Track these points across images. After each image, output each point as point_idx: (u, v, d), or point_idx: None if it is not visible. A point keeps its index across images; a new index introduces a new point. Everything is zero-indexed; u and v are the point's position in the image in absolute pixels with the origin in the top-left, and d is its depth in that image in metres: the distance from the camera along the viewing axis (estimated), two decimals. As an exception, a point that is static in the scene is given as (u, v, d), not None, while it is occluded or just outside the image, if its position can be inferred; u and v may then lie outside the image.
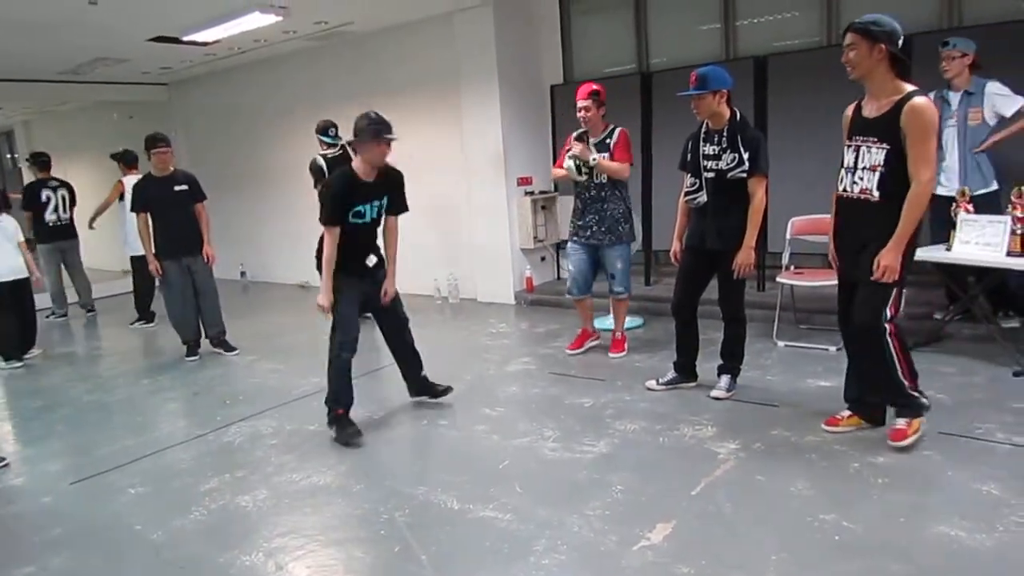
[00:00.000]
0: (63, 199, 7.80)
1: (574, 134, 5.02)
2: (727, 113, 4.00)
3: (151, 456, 4.05)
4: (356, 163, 3.94)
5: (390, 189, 4.08)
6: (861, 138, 3.28)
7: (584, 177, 4.96)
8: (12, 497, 3.70)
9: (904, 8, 5.51)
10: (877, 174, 3.20)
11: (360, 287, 4.11)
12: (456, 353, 5.72)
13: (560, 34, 7.27)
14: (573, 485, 3.31)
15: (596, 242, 5.07)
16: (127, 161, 7.55)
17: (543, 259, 7.51)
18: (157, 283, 6.14)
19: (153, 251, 5.85)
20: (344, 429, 4.01)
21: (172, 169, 5.92)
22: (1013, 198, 4.04)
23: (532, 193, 7.22)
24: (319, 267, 4.00)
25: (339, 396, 4.07)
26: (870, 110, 3.27)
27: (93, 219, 7.91)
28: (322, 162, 6.38)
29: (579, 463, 3.53)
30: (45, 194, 7.70)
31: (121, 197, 7.27)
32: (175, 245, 5.85)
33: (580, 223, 5.12)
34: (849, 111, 3.41)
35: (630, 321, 5.99)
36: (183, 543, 3.07)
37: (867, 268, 3.22)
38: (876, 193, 3.20)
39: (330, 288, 3.93)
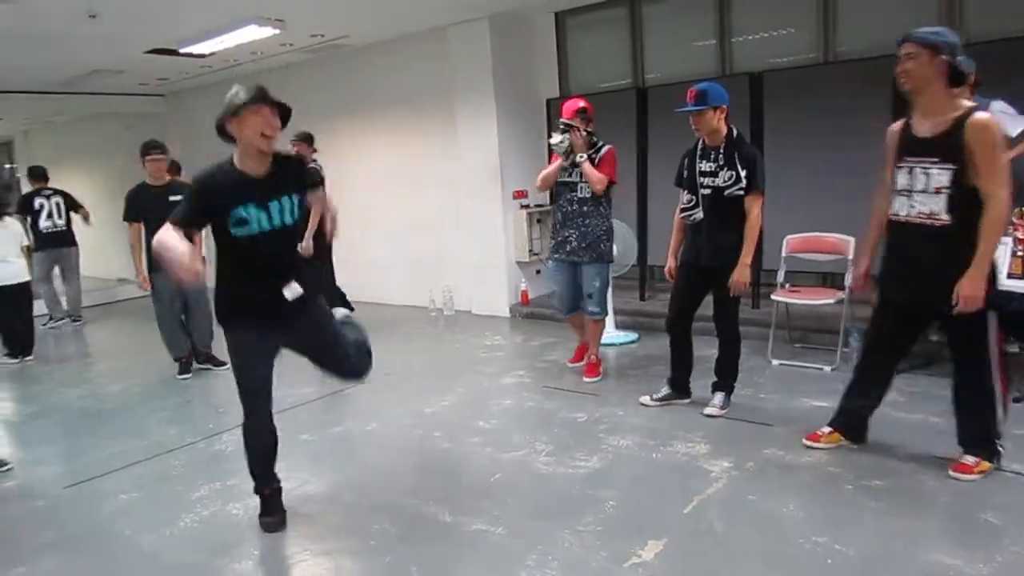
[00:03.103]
0: (56, 206, 7.94)
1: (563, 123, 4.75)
2: (724, 130, 4.00)
3: (143, 462, 4.03)
4: (236, 155, 2.98)
5: (299, 185, 3.01)
6: (915, 159, 3.08)
7: (567, 162, 4.74)
8: (6, 500, 3.70)
9: (904, 24, 5.54)
10: (943, 196, 3.00)
11: (270, 338, 3.03)
12: (450, 365, 5.71)
13: (556, 48, 7.30)
14: (565, 500, 3.30)
15: (576, 259, 4.81)
16: None
17: (538, 272, 7.50)
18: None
19: (144, 265, 5.54)
20: (264, 515, 3.17)
21: (168, 179, 5.73)
22: (1015, 219, 4.01)
23: (527, 206, 7.23)
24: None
25: (257, 475, 3.17)
26: (924, 128, 3.07)
27: None
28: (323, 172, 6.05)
29: (572, 478, 3.52)
30: (38, 202, 7.89)
31: None
32: None
33: (559, 238, 4.88)
34: (896, 130, 3.22)
35: (624, 336, 6.00)
36: (173, 550, 3.06)
37: (942, 298, 3.01)
38: (946, 216, 3.00)
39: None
